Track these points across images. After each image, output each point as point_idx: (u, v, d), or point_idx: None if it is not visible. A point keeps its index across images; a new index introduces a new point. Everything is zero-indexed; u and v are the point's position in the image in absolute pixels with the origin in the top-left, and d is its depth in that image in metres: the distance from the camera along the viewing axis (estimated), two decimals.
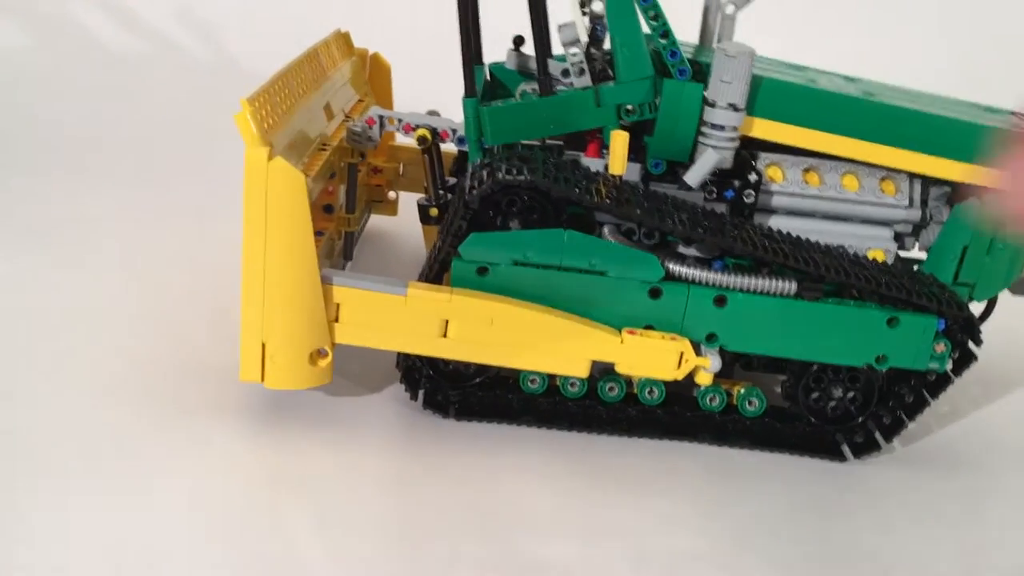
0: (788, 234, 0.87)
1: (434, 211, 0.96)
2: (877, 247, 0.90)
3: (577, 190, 0.79)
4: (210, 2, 1.88)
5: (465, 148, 0.94)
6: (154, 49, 1.81)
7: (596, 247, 0.81)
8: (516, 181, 0.79)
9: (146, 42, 1.82)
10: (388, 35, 1.35)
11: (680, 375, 0.83)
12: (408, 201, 1.23)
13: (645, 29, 0.85)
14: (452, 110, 1.15)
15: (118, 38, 1.81)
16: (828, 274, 0.82)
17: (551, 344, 0.81)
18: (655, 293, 0.82)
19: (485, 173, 0.80)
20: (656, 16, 0.85)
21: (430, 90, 1.42)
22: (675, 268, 0.82)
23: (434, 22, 1.53)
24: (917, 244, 0.93)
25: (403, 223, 1.25)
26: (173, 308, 1.03)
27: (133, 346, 0.95)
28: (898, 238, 0.92)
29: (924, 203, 0.91)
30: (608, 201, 0.80)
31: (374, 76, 1.24)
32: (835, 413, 0.89)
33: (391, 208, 1.24)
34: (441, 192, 0.97)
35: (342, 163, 1.01)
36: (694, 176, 0.85)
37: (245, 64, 1.80)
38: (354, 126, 0.99)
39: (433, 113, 1.02)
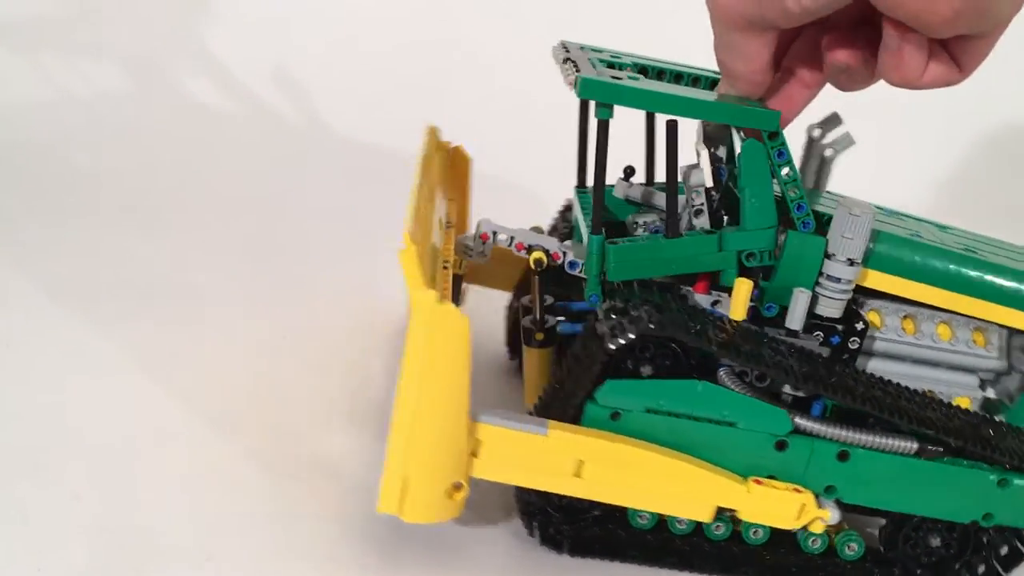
0: (908, 389, 0.90)
1: (540, 335, 0.98)
2: (964, 394, 0.94)
3: (714, 346, 0.82)
4: (304, 65, 1.89)
5: (576, 273, 0.96)
6: (249, 110, 1.81)
7: (728, 399, 0.84)
8: (661, 334, 0.81)
9: (241, 102, 1.82)
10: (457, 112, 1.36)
11: (798, 525, 0.85)
12: (478, 294, 1.23)
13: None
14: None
15: (215, 98, 1.80)
16: (959, 443, 0.85)
17: (681, 489, 0.83)
18: (781, 445, 0.85)
19: (626, 322, 0.82)
20: (789, 170, 0.88)
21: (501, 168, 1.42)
22: (802, 423, 0.85)
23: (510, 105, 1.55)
24: (994, 391, 0.98)
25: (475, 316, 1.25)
26: (282, 403, 1.05)
27: (248, 449, 0.97)
28: (981, 384, 0.96)
29: (1008, 352, 0.95)
30: (741, 355, 0.82)
31: (453, 167, 1.24)
32: (929, 560, 0.93)
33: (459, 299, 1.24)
34: (548, 317, 0.98)
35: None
36: (795, 319, 0.88)
37: (339, 128, 1.80)
38: (466, 240, 1.00)
39: (537, 230, 1.04)
